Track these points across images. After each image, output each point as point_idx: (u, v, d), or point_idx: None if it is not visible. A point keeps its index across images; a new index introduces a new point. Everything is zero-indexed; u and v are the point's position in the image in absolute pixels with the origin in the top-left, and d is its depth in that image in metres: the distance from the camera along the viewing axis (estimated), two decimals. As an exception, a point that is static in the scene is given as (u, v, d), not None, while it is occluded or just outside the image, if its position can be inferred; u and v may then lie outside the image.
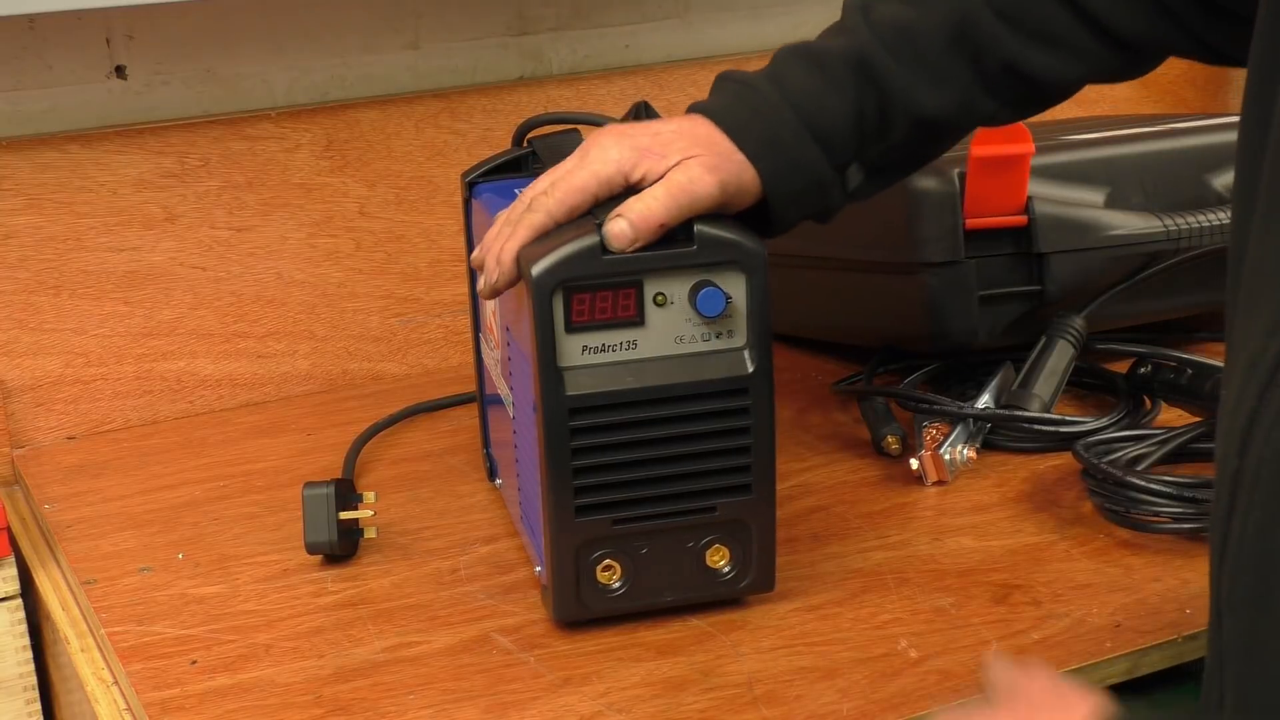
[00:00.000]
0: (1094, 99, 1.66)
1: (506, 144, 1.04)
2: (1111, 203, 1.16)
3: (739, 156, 0.84)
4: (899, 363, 1.23)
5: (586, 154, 0.84)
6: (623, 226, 0.81)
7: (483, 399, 1.07)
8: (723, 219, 0.84)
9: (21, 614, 1.12)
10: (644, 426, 0.84)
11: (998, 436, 1.10)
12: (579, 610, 0.87)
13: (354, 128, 1.31)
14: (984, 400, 1.11)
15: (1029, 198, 1.12)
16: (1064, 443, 1.07)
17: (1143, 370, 1.16)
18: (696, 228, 0.82)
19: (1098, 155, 1.18)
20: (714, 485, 0.86)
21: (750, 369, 0.84)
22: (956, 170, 1.11)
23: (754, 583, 0.88)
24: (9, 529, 1.09)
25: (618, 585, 0.87)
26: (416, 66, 1.36)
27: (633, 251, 0.81)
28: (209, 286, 1.29)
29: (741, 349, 0.84)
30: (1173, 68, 1.70)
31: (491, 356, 1.00)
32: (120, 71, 1.26)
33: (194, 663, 0.87)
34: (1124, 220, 1.14)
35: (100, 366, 1.26)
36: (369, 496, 0.99)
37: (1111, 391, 1.17)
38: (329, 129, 1.30)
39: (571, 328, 0.82)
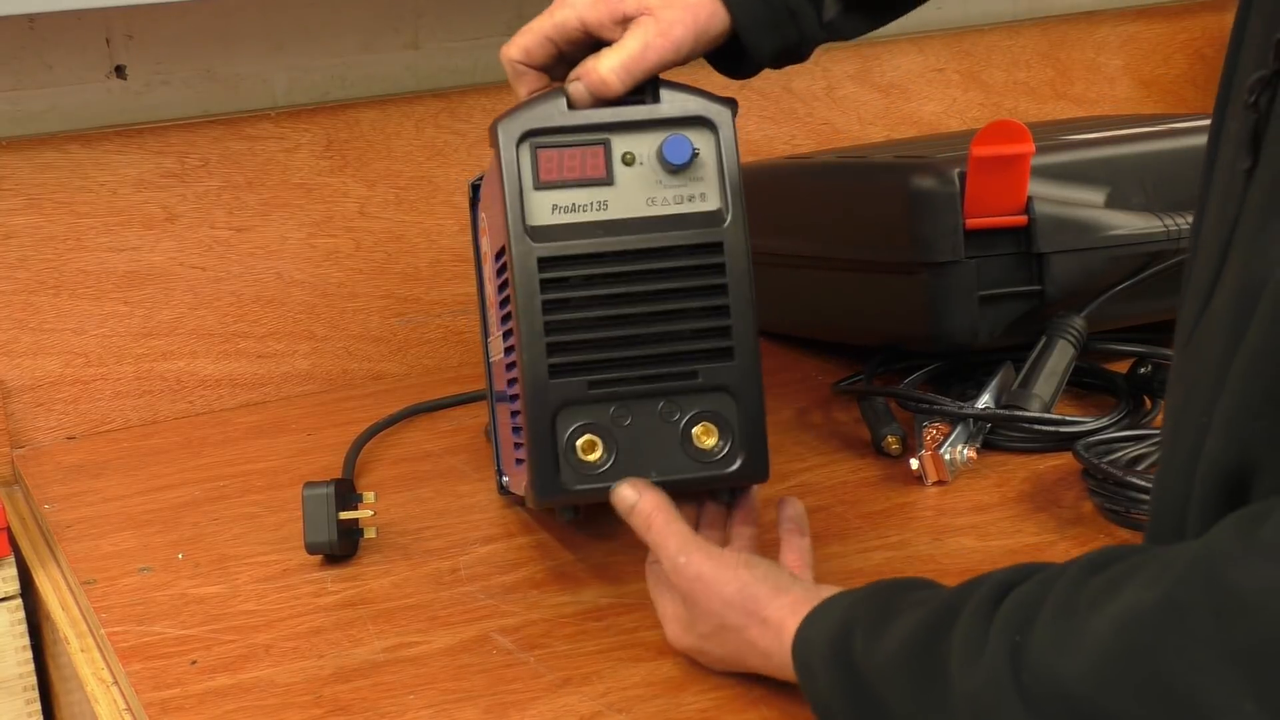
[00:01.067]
0: (1094, 99, 1.66)
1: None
2: (1111, 203, 1.16)
3: None
4: (899, 363, 1.23)
5: (554, 1, 0.87)
6: (580, 90, 0.83)
7: (493, 415, 1.05)
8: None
9: (21, 614, 1.12)
10: (616, 282, 0.83)
11: (998, 436, 1.10)
12: (560, 492, 0.85)
13: (354, 128, 1.31)
14: (984, 400, 1.11)
15: (1029, 198, 1.11)
16: (1064, 443, 1.07)
17: (1143, 370, 1.16)
18: (662, 88, 0.84)
19: (1098, 155, 1.18)
20: (693, 348, 0.85)
21: (724, 228, 0.84)
22: (956, 170, 1.11)
23: (745, 467, 0.86)
24: (9, 529, 1.09)
25: (600, 462, 0.85)
26: (416, 66, 1.36)
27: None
28: (209, 286, 1.29)
29: (715, 210, 0.85)
30: (1172, 67, 1.71)
31: (495, 343, 0.99)
32: (120, 71, 1.26)
33: (194, 663, 0.87)
34: (1124, 220, 1.14)
35: (100, 366, 1.26)
36: (369, 496, 0.99)
37: (1111, 391, 1.17)
38: (329, 129, 1.30)
39: (540, 185, 0.83)
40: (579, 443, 0.84)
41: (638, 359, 0.84)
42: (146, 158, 1.25)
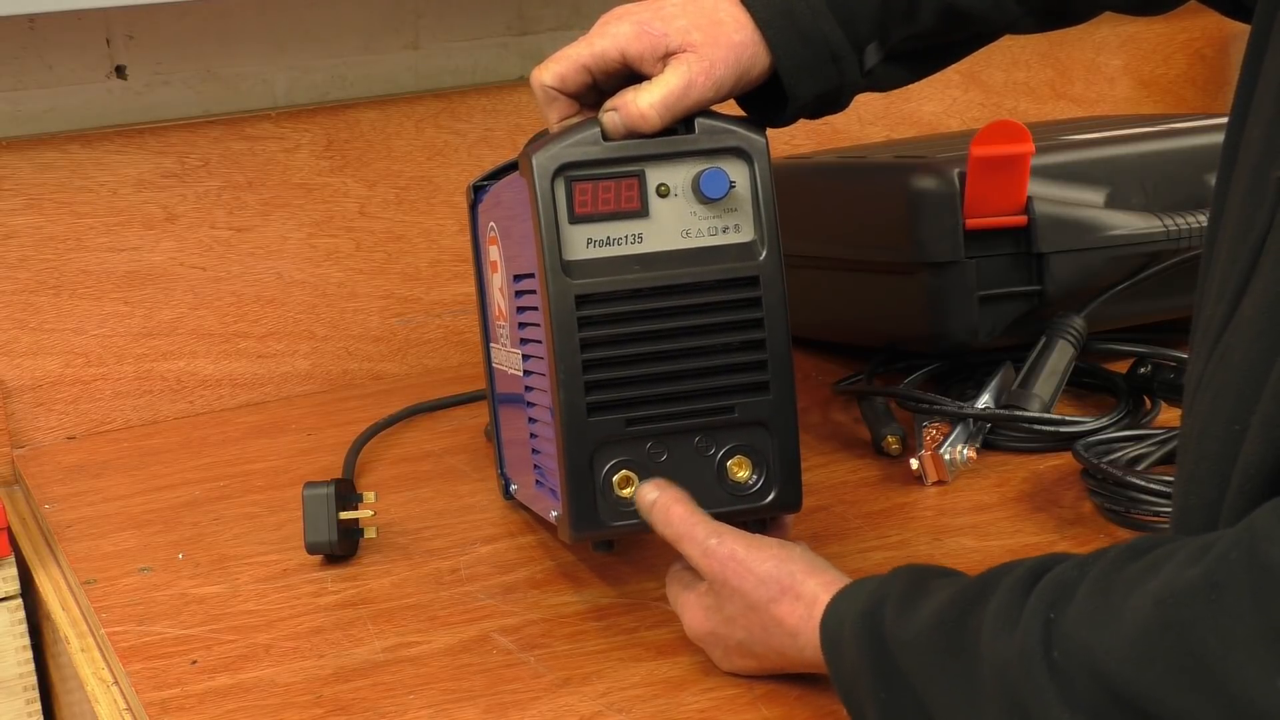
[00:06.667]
0: (1094, 99, 1.66)
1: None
2: (1111, 203, 1.16)
3: (745, 31, 0.83)
4: (899, 363, 1.23)
5: (593, 29, 0.85)
6: (616, 122, 0.82)
7: (494, 416, 1.06)
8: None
9: (21, 614, 1.12)
10: (652, 319, 0.83)
11: (998, 436, 1.10)
12: (597, 527, 0.84)
13: (354, 128, 1.31)
14: (984, 400, 1.11)
15: (1029, 198, 1.12)
16: (1064, 443, 1.07)
17: (1143, 370, 1.16)
18: (695, 118, 0.83)
19: (1098, 155, 1.18)
20: (730, 383, 0.84)
21: (760, 260, 0.84)
22: (956, 170, 1.11)
23: (779, 498, 0.86)
24: (9, 529, 1.09)
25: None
26: (416, 66, 1.36)
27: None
28: (209, 286, 1.29)
29: (750, 242, 0.84)
30: (1172, 68, 1.71)
31: (503, 354, 0.99)
32: (120, 71, 1.26)
33: (194, 663, 0.87)
34: (1124, 220, 1.14)
35: (100, 366, 1.26)
36: (369, 496, 0.99)
37: (1111, 391, 1.17)
38: (329, 129, 1.30)
39: (575, 219, 0.82)
40: (615, 479, 0.84)
41: (675, 395, 0.84)
42: (146, 158, 1.25)
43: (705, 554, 0.80)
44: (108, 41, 1.25)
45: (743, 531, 0.80)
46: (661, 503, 0.82)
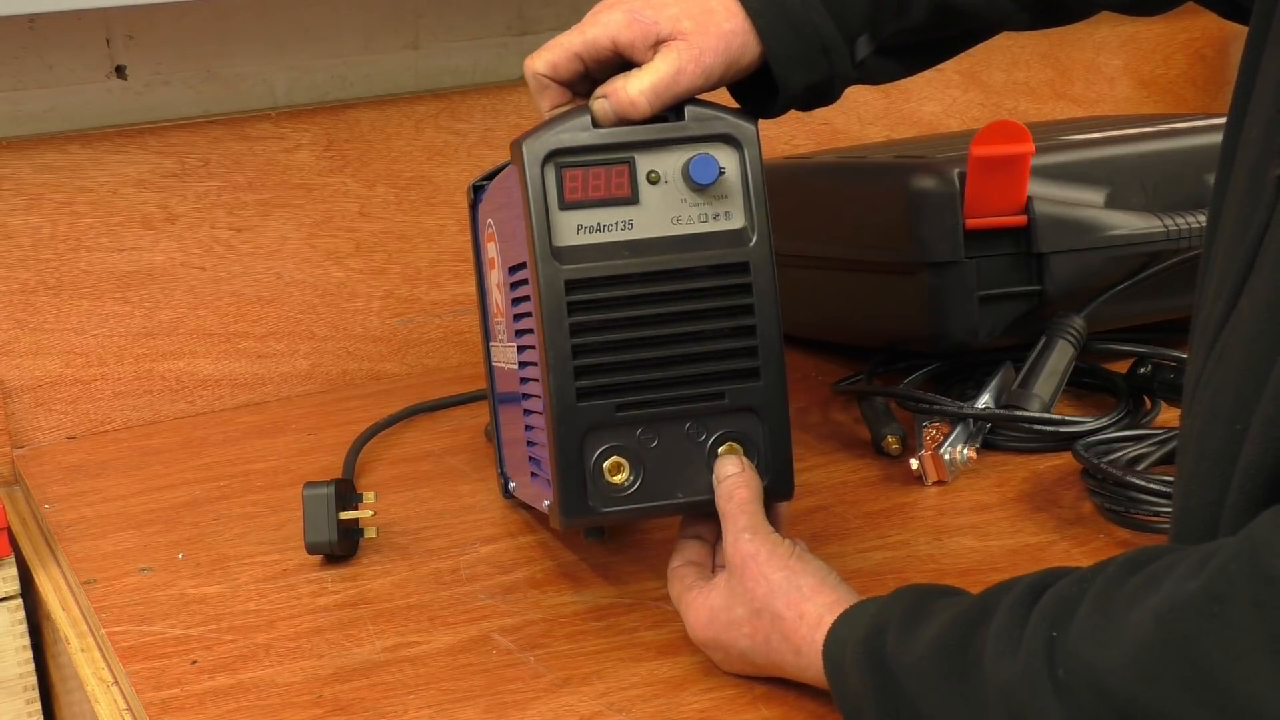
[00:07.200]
0: (1094, 99, 1.66)
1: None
2: (1111, 203, 1.16)
3: (735, 20, 0.83)
4: (899, 363, 1.23)
5: (586, 17, 0.85)
6: (606, 109, 0.82)
7: (495, 416, 1.06)
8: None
9: (21, 614, 1.12)
10: (643, 303, 0.83)
11: (998, 436, 1.10)
12: (586, 514, 0.84)
13: (354, 128, 1.31)
14: (984, 400, 1.11)
15: (1029, 198, 1.12)
16: (1064, 443, 1.07)
17: (1143, 370, 1.16)
18: (686, 105, 0.83)
19: (1098, 155, 1.18)
20: (720, 369, 0.84)
21: (750, 247, 0.84)
22: (956, 170, 1.11)
23: (770, 486, 0.86)
24: (9, 529, 1.09)
25: (627, 484, 0.84)
26: (416, 66, 1.36)
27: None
28: (209, 286, 1.29)
29: (740, 229, 0.84)
30: (1172, 68, 1.71)
31: (502, 350, 0.99)
32: (120, 71, 1.26)
33: (194, 663, 0.87)
34: (1124, 220, 1.14)
35: (100, 366, 1.26)
36: (369, 496, 0.99)
37: (1111, 391, 1.17)
38: (329, 129, 1.31)
39: (565, 205, 0.82)
40: (605, 464, 0.84)
41: (665, 380, 0.84)
42: (146, 158, 1.25)
43: (734, 542, 0.80)
44: (108, 41, 1.25)
45: (779, 538, 0.81)
46: (733, 481, 0.83)
